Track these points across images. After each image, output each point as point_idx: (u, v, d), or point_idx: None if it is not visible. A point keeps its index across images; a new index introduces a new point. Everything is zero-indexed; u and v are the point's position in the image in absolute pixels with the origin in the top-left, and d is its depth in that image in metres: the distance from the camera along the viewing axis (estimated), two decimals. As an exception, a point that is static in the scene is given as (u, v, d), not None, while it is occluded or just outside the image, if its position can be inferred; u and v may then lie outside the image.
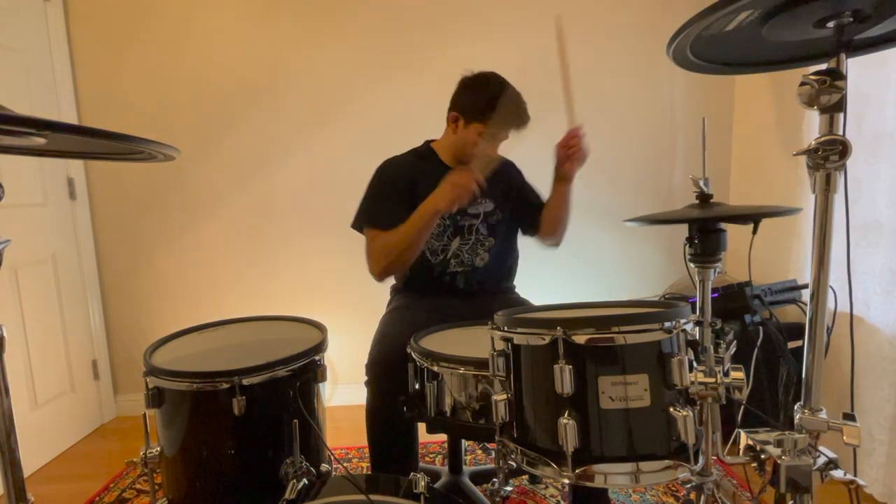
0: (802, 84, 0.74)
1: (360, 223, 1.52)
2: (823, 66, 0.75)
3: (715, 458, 1.00)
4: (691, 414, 0.79)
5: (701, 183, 0.96)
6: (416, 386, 1.22)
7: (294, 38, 2.34)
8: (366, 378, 1.34)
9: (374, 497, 0.89)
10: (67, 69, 2.25)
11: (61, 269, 2.17)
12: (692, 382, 0.83)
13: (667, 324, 0.81)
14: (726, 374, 0.88)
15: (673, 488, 1.70)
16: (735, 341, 0.96)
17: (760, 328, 1.81)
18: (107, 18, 2.27)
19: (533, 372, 0.87)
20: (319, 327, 1.35)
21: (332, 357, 2.44)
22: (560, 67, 1.29)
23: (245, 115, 2.37)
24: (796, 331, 1.85)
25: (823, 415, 0.81)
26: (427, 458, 1.98)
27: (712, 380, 0.85)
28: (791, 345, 1.80)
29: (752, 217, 0.94)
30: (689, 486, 1.02)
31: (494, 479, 1.00)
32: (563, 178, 1.54)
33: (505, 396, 0.89)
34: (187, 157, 2.36)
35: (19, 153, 0.83)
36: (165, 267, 2.43)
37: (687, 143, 2.51)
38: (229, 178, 2.40)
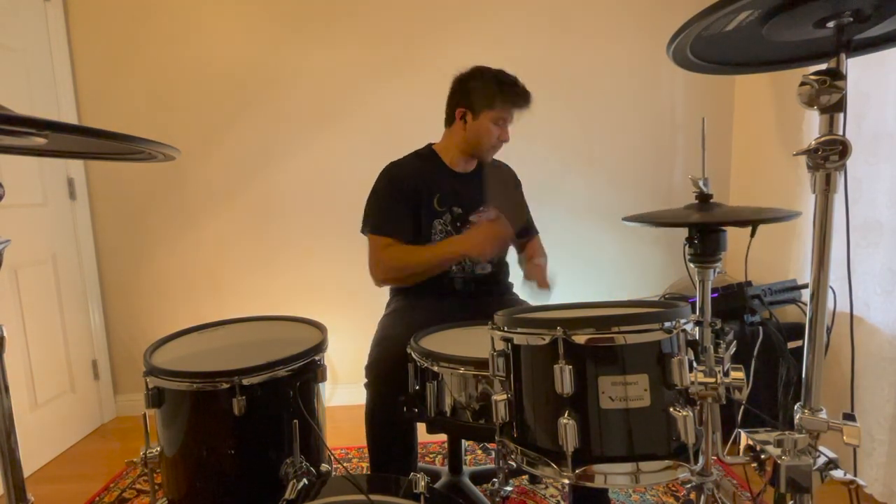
0: (802, 84, 0.74)
1: (365, 227, 1.54)
2: (823, 66, 0.75)
3: (715, 458, 1.00)
4: (691, 414, 0.79)
5: (700, 183, 0.96)
6: (416, 386, 1.22)
7: (294, 38, 2.34)
8: (365, 380, 1.35)
9: (374, 497, 0.89)
10: (67, 69, 2.25)
11: (61, 269, 2.17)
12: (692, 382, 0.83)
13: (667, 324, 0.81)
14: (726, 374, 0.87)
15: (673, 488, 1.70)
16: (735, 341, 0.96)
17: (760, 328, 1.81)
18: (107, 18, 2.27)
19: (533, 372, 0.87)
20: (319, 327, 1.35)
21: (332, 357, 2.44)
22: None
23: (245, 115, 2.37)
24: (796, 331, 1.85)
25: (823, 415, 0.81)
26: (427, 458, 1.98)
27: (712, 380, 0.85)
28: (791, 345, 1.80)
29: (750, 222, 0.94)
30: (689, 486, 1.02)
31: (494, 479, 1.00)
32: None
33: (505, 396, 0.89)
34: (187, 157, 2.36)
35: (19, 153, 0.83)
36: (165, 267, 2.43)
37: (687, 143, 2.51)
38: (229, 178, 2.40)
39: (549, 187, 2.42)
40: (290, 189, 2.42)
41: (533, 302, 1.56)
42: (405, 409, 1.21)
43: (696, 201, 0.98)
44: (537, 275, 1.55)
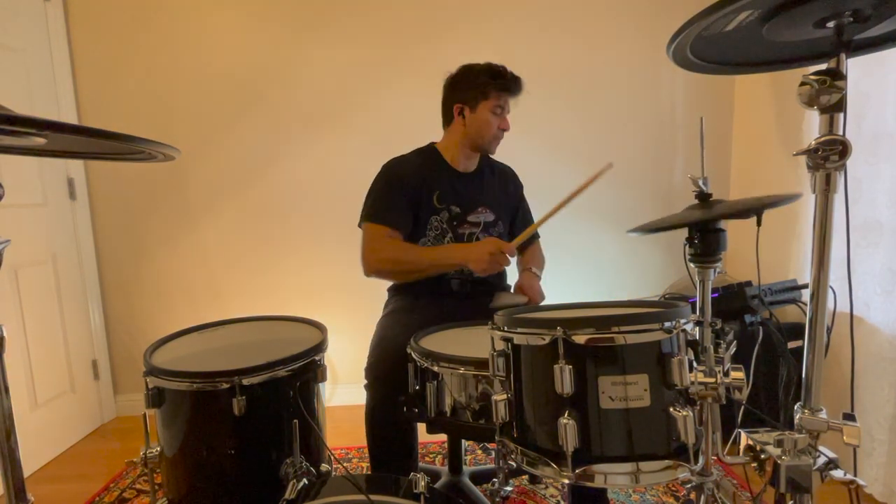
0: (802, 84, 0.74)
1: (363, 218, 1.53)
2: (823, 66, 0.75)
3: (715, 458, 1.00)
4: (691, 414, 0.79)
5: (700, 182, 0.96)
6: (416, 386, 1.22)
7: (295, 38, 2.34)
8: (365, 381, 1.35)
9: (374, 497, 0.89)
10: (67, 69, 2.25)
11: (61, 269, 2.17)
12: (692, 382, 0.83)
13: (667, 324, 0.81)
14: (726, 374, 0.87)
15: (673, 488, 1.70)
16: (735, 341, 0.96)
17: (760, 328, 1.81)
18: (107, 18, 2.27)
19: (533, 372, 0.87)
20: (319, 327, 1.35)
21: (332, 357, 2.44)
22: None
23: (245, 115, 2.37)
24: (796, 331, 1.85)
25: (823, 415, 0.81)
26: (427, 458, 1.98)
27: (712, 380, 0.85)
28: (791, 345, 1.80)
29: (754, 210, 0.94)
30: (689, 486, 1.02)
31: (494, 479, 1.00)
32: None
33: (505, 396, 0.89)
34: (187, 157, 2.36)
35: (19, 153, 0.83)
36: (165, 267, 2.43)
37: (687, 143, 2.51)
38: (229, 178, 2.40)
39: (549, 187, 2.41)
40: (291, 189, 2.42)
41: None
42: (405, 409, 1.21)
43: (696, 201, 0.98)
44: (527, 288, 1.55)
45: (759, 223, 0.94)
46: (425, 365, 1.16)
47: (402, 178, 1.52)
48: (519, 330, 0.88)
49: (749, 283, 1.88)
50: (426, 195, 1.52)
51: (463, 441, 1.66)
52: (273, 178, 2.41)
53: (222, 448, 1.09)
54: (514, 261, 1.72)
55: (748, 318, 1.85)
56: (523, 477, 1.73)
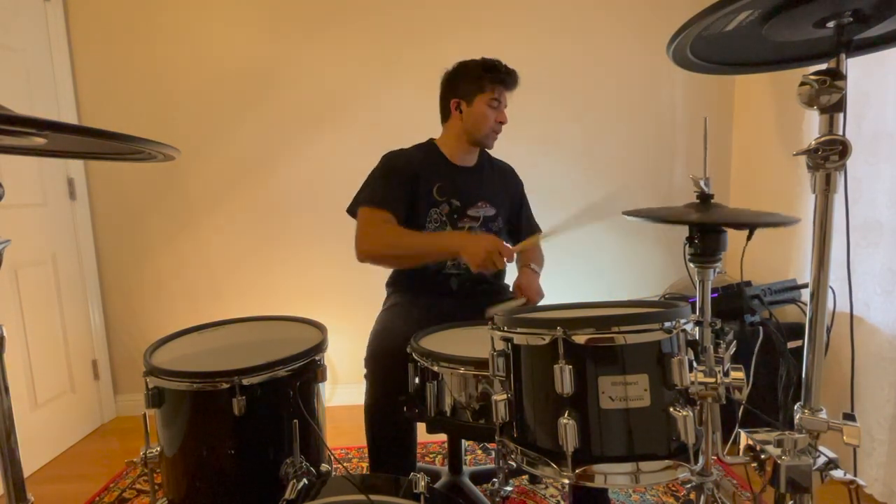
0: (802, 84, 0.74)
1: (355, 204, 1.52)
2: (823, 66, 0.75)
3: (715, 458, 0.99)
4: (691, 414, 0.79)
5: (702, 183, 0.96)
6: (416, 386, 1.22)
7: (295, 38, 2.34)
8: (365, 371, 1.35)
9: (373, 497, 0.89)
10: (67, 69, 2.25)
11: (61, 269, 2.17)
12: (692, 382, 0.83)
13: (667, 324, 0.81)
14: (726, 374, 0.87)
15: (673, 488, 1.70)
16: (735, 341, 0.96)
17: (760, 328, 1.81)
18: (107, 18, 2.27)
19: (533, 372, 0.87)
20: (319, 327, 1.35)
21: (332, 357, 2.44)
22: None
23: (245, 115, 2.37)
24: (796, 331, 1.85)
25: (823, 415, 0.81)
26: (427, 458, 1.98)
27: (712, 380, 0.85)
28: (791, 345, 1.80)
29: (747, 225, 0.94)
30: (689, 486, 1.02)
31: (494, 479, 1.00)
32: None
33: (505, 396, 0.89)
34: (187, 157, 2.36)
35: (19, 153, 0.83)
36: (165, 267, 2.43)
37: (687, 143, 2.51)
38: (229, 178, 2.40)
39: (549, 187, 2.42)
40: (290, 189, 2.42)
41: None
42: (405, 409, 1.21)
43: (697, 201, 0.98)
44: (525, 288, 1.54)
45: (749, 237, 0.94)
46: (425, 365, 1.16)
47: (401, 168, 1.52)
48: (519, 330, 0.87)
49: (749, 283, 1.88)
50: (425, 186, 1.52)
51: (463, 441, 1.66)
52: (273, 178, 2.41)
53: (222, 448, 1.09)
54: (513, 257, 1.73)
55: (748, 318, 1.85)
56: (523, 477, 1.73)
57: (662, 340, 0.82)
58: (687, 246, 0.99)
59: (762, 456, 0.82)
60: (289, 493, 0.95)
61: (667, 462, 0.81)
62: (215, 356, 1.20)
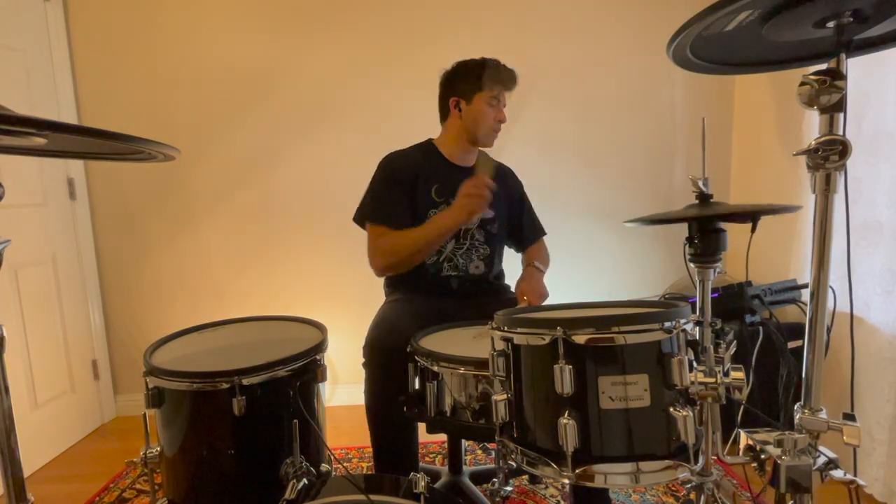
0: (802, 84, 0.74)
1: (362, 218, 1.54)
2: (823, 66, 0.75)
3: (715, 458, 1.00)
4: (691, 414, 0.79)
5: (700, 183, 0.96)
6: (416, 386, 1.22)
7: (293, 38, 2.34)
8: (363, 360, 1.35)
9: (373, 497, 0.89)
10: (67, 69, 2.25)
11: (61, 269, 2.17)
12: (692, 382, 0.83)
13: (667, 324, 0.81)
14: (726, 374, 0.87)
15: (673, 488, 1.70)
16: (735, 341, 0.96)
17: (760, 328, 1.81)
18: (107, 18, 2.27)
19: (533, 372, 0.87)
20: (319, 327, 1.35)
21: (332, 357, 2.44)
22: None
23: (245, 115, 2.37)
24: (796, 331, 1.85)
25: (823, 415, 0.81)
26: (427, 458, 1.97)
27: (712, 380, 0.85)
28: (791, 345, 1.80)
29: (750, 215, 0.94)
30: (689, 486, 1.02)
31: (494, 479, 1.00)
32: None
33: (505, 396, 0.89)
34: (187, 157, 2.36)
35: (19, 153, 0.83)
36: (165, 267, 2.43)
37: (687, 143, 2.51)
38: (229, 178, 2.40)
39: (549, 187, 2.42)
40: (291, 189, 2.42)
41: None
42: (405, 408, 1.21)
43: (697, 201, 0.98)
44: (526, 290, 1.49)
45: (753, 229, 0.94)
46: (425, 365, 1.16)
47: (400, 172, 1.53)
48: (519, 330, 0.88)
49: (749, 283, 1.88)
50: (424, 188, 1.52)
51: (463, 441, 1.66)
52: (273, 178, 2.41)
53: (222, 448, 1.09)
54: (518, 258, 1.73)
55: (748, 318, 1.85)
56: (523, 477, 1.73)
57: (662, 340, 0.82)
58: (687, 246, 0.99)
59: (762, 456, 0.82)
60: (289, 493, 0.95)
61: (667, 462, 0.81)
62: (215, 356, 1.20)
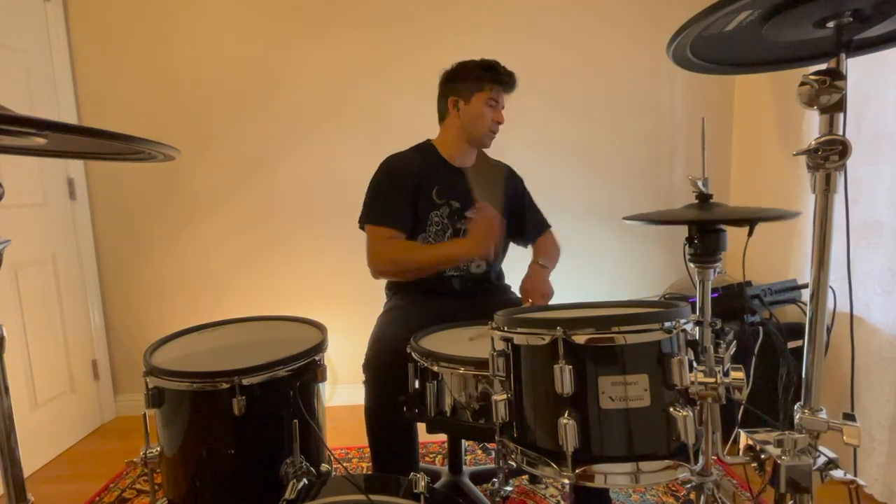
0: (802, 84, 0.74)
1: (363, 220, 1.53)
2: (823, 66, 0.75)
3: (715, 458, 1.00)
4: (691, 414, 0.79)
5: (700, 183, 0.96)
6: (416, 386, 1.22)
7: (294, 38, 2.34)
8: (363, 378, 1.35)
9: (373, 497, 0.89)
10: (67, 69, 2.25)
11: (61, 269, 2.17)
12: (692, 382, 0.83)
13: (667, 324, 0.81)
14: (726, 374, 0.87)
15: (673, 488, 1.70)
16: (735, 341, 0.96)
17: (760, 328, 1.81)
18: (107, 18, 2.27)
19: (533, 372, 0.87)
20: (319, 327, 1.35)
21: (332, 357, 2.44)
22: None
23: (245, 115, 2.37)
24: (796, 331, 1.85)
25: (823, 415, 0.81)
26: (427, 458, 1.98)
27: (712, 380, 0.85)
28: (791, 345, 1.80)
29: (747, 221, 0.94)
30: (689, 486, 1.02)
31: (494, 479, 1.00)
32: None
33: (505, 396, 0.89)
34: (187, 157, 2.36)
35: (19, 153, 0.83)
36: (165, 267, 2.43)
37: (687, 143, 2.51)
38: (229, 178, 2.40)
39: (549, 187, 2.42)
40: (290, 189, 2.42)
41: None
42: (405, 409, 1.21)
43: (696, 201, 0.98)
44: (529, 291, 1.48)
45: (750, 233, 0.94)
46: (425, 365, 1.16)
47: (400, 175, 1.52)
48: (519, 330, 0.87)
49: (749, 283, 1.88)
50: (425, 190, 1.52)
51: (463, 441, 1.66)
52: (273, 178, 2.41)
53: (222, 448, 1.09)
54: (519, 258, 1.73)
55: (748, 318, 1.85)
56: (523, 477, 1.73)
57: (662, 340, 0.82)
58: (687, 246, 0.99)
59: (762, 456, 0.82)
60: (289, 493, 0.95)
61: (667, 462, 0.81)
62: (215, 356, 1.20)
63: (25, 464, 0.84)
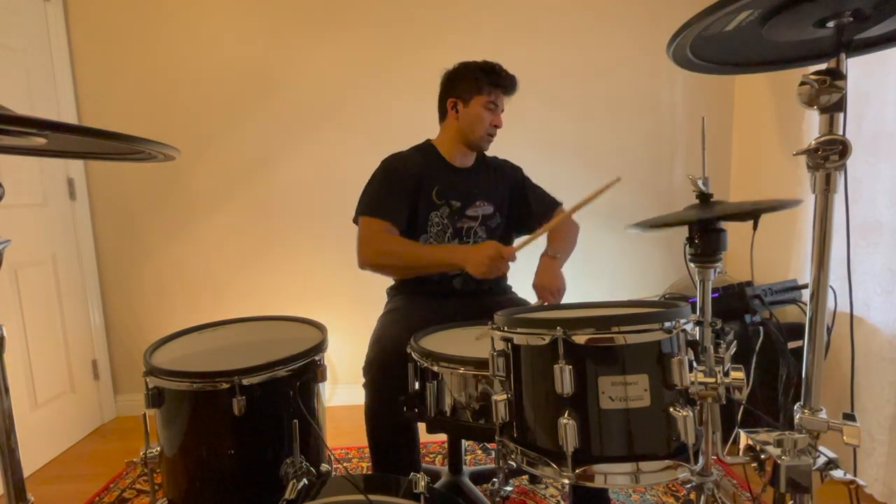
0: (802, 84, 0.74)
1: (357, 212, 1.52)
2: (823, 66, 0.75)
3: (715, 458, 1.00)
4: (691, 414, 0.79)
5: (700, 182, 0.96)
6: (416, 386, 1.22)
7: (294, 38, 2.34)
8: (364, 380, 1.35)
9: (373, 497, 0.89)
10: (67, 69, 2.25)
11: (61, 269, 2.17)
12: (692, 382, 0.83)
13: (667, 324, 0.81)
14: (726, 374, 0.87)
15: (673, 488, 1.70)
16: (735, 341, 0.96)
17: (760, 328, 1.81)
18: (107, 18, 2.27)
19: (533, 372, 0.87)
20: (319, 327, 1.35)
21: (332, 357, 2.44)
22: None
23: (245, 115, 2.37)
24: (796, 331, 1.85)
25: (823, 415, 0.81)
26: (427, 458, 1.98)
27: (712, 380, 0.85)
28: (791, 345, 1.80)
29: (751, 214, 0.94)
30: (689, 486, 1.02)
31: (494, 479, 1.00)
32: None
33: (505, 396, 0.89)
34: (187, 157, 2.36)
35: (19, 153, 0.83)
36: (165, 267, 2.43)
37: (687, 143, 2.51)
38: (229, 178, 2.40)
39: (549, 187, 2.41)
40: (290, 189, 2.42)
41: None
42: (405, 409, 1.21)
43: (696, 201, 0.98)
44: (538, 288, 1.44)
45: (755, 227, 0.94)
46: (425, 365, 1.16)
47: (400, 174, 1.52)
48: (519, 330, 0.88)
49: (749, 283, 1.88)
50: (425, 190, 1.52)
51: (463, 441, 1.66)
52: (273, 178, 2.41)
53: (222, 448, 1.09)
54: (521, 260, 1.72)
55: (748, 318, 1.85)
56: (523, 477, 1.73)
57: (662, 340, 0.82)
58: (687, 246, 0.99)
59: (762, 456, 0.82)
60: (289, 493, 0.95)
61: (667, 462, 0.81)
62: (215, 356, 1.20)
63: (25, 464, 0.84)
